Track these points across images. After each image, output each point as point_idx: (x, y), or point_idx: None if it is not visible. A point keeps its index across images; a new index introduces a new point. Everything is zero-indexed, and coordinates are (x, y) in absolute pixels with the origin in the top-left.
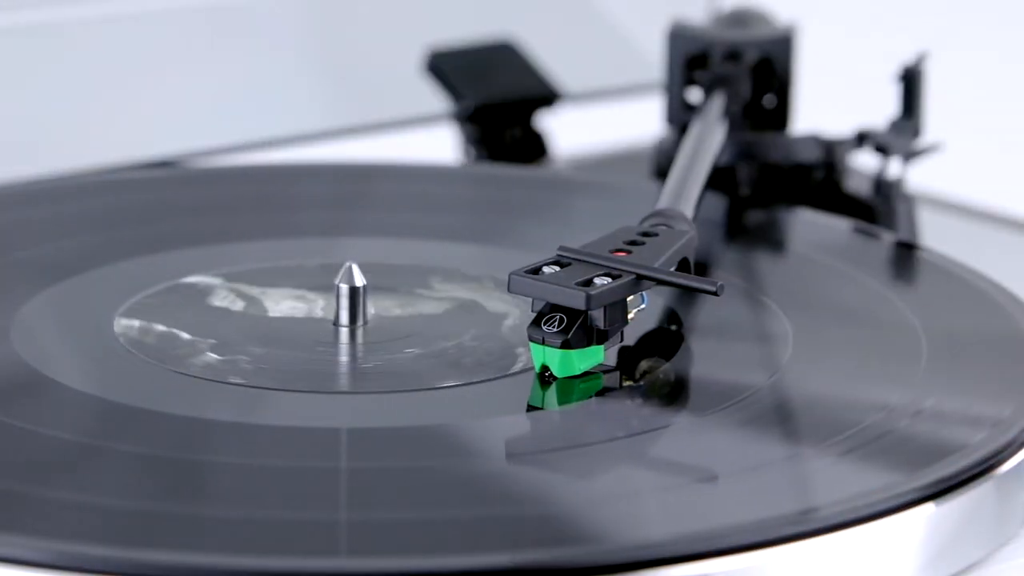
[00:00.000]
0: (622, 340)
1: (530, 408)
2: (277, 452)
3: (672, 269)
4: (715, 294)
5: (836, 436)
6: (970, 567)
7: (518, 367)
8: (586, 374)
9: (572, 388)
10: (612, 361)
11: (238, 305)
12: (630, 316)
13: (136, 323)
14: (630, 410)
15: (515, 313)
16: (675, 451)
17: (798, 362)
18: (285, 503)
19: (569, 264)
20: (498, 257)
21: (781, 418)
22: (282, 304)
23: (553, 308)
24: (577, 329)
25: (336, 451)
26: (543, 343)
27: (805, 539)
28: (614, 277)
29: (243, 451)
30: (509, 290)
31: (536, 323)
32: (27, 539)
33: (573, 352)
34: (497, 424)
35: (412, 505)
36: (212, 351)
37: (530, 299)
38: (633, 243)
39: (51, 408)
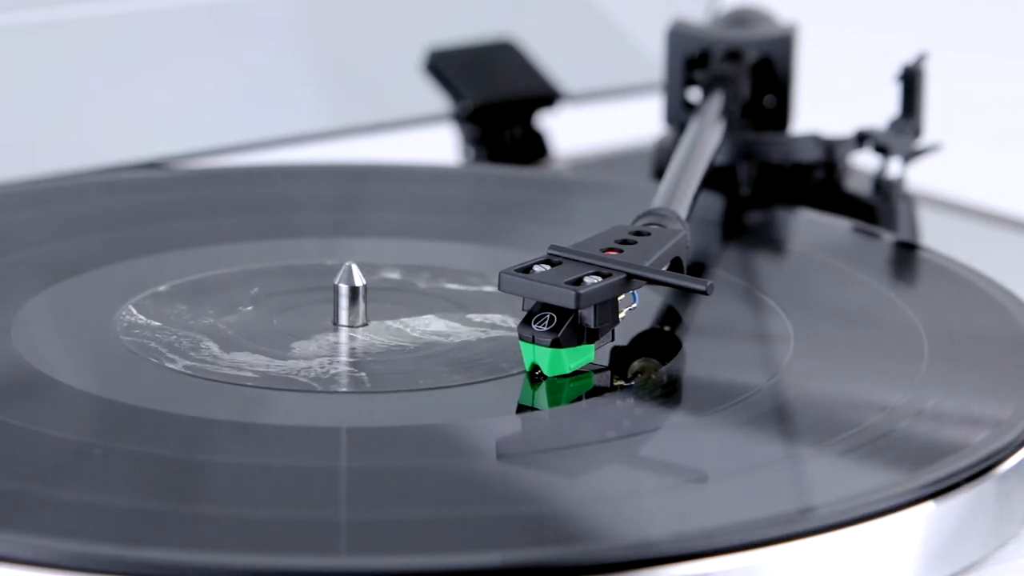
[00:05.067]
0: (613, 339)
1: (522, 408)
2: (277, 452)
3: (664, 268)
4: (705, 293)
5: (837, 436)
6: (970, 567)
7: (518, 367)
8: (576, 373)
9: (575, 388)
10: (604, 360)
11: (238, 304)
12: (621, 315)
13: (136, 323)
14: (627, 410)
15: (505, 299)
16: (675, 451)
17: (799, 362)
18: (285, 503)
19: (560, 263)
20: (498, 257)
21: (782, 418)
22: (282, 304)
23: (543, 307)
24: (567, 328)
25: (336, 451)
26: (533, 342)
27: (805, 538)
28: (604, 276)
29: (243, 451)
30: (499, 289)
31: (526, 322)
32: (27, 539)
33: (563, 351)
34: (497, 424)
35: (412, 504)
36: (212, 351)
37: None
38: (625, 242)
39: (51, 408)
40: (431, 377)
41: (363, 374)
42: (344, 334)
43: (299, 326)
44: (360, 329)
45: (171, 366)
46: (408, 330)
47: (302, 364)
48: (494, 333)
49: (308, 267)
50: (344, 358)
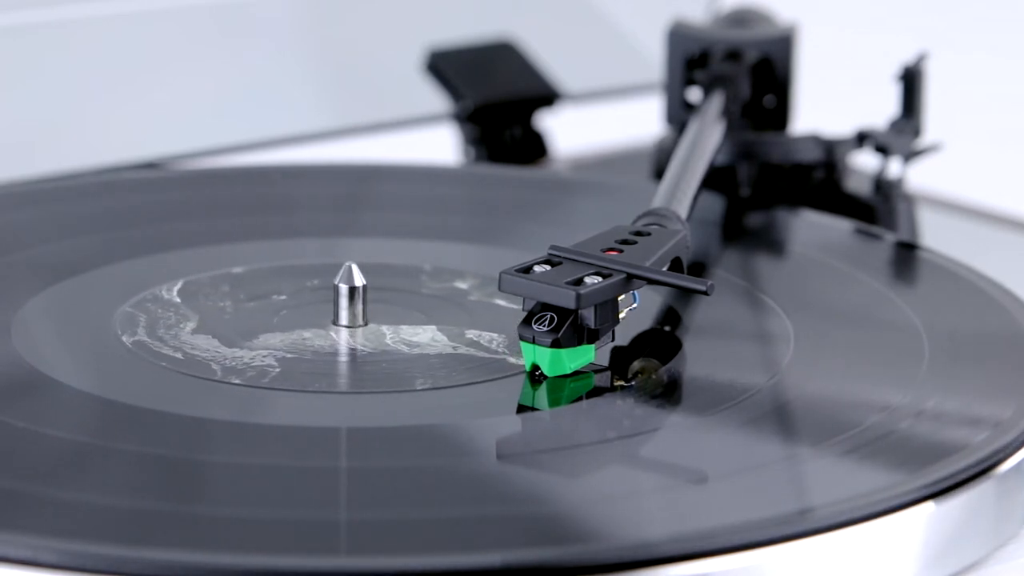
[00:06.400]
0: (613, 339)
1: (522, 408)
2: (277, 452)
3: (664, 268)
4: (705, 293)
5: (837, 436)
6: (970, 567)
7: (520, 366)
8: (576, 373)
9: (576, 388)
10: (604, 361)
11: (237, 305)
12: (621, 315)
13: (136, 323)
14: (627, 410)
15: (515, 312)
16: (675, 451)
17: (799, 362)
18: (285, 503)
19: (560, 263)
20: (498, 257)
21: (782, 418)
22: (280, 304)
23: (544, 307)
24: (567, 328)
25: (336, 451)
26: (533, 342)
27: (805, 538)
28: (605, 276)
29: (243, 451)
30: (500, 289)
31: (527, 322)
32: (27, 539)
33: (563, 351)
34: (497, 424)
35: (412, 504)
36: (212, 351)
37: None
38: (625, 242)
39: (51, 408)
40: (430, 377)
41: (363, 374)
42: (323, 333)
43: (295, 321)
44: (349, 330)
45: (170, 366)
46: (387, 336)
47: (236, 353)
48: (463, 351)
49: (308, 267)
50: (344, 358)
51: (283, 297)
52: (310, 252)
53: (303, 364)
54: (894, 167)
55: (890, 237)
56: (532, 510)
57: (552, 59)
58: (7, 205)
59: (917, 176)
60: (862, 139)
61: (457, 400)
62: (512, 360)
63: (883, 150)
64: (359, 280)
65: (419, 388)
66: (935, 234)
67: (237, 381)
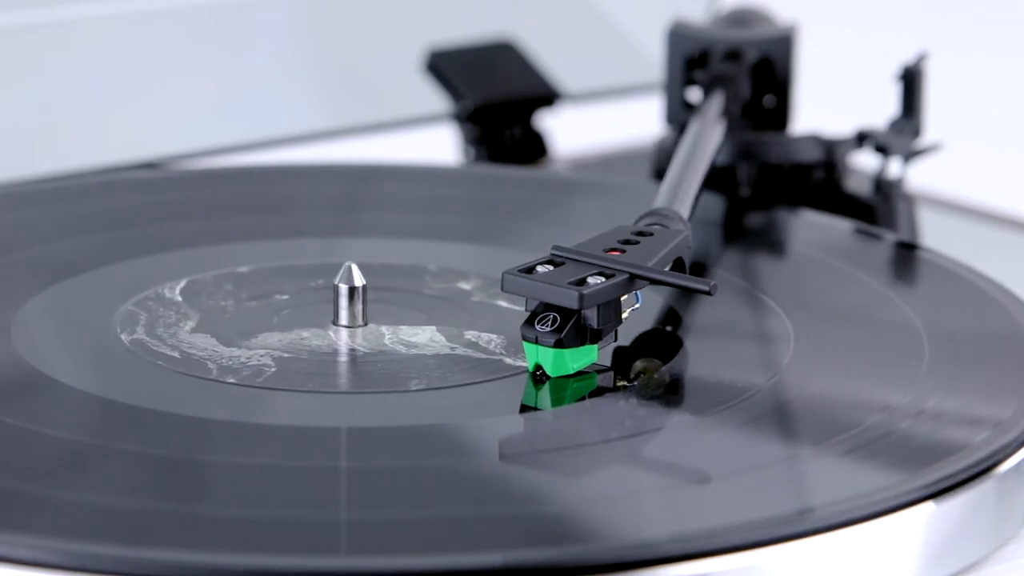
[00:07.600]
0: (616, 339)
1: (525, 408)
2: (277, 452)
3: (667, 268)
4: (708, 293)
5: (837, 436)
6: (970, 567)
7: (518, 367)
8: (579, 373)
9: (578, 388)
10: (606, 361)
11: (237, 305)
12: (624, 316)
13: (136, 323)
14: (629, 410)
15: (516, 313)
16: (675, 451)
17: (799, 362)
18: (285, 503)
19: (563, 263)
20: (498, 257)
21: (782, 418)
22: (281, 304)
23: (546, 307)
24: (570, 328)
25: (336, 451)
26: (536, 342)
27: (805, 538)
28: (607, 276)
29: (243, 451)
30: (503, 289)
31: (529, 322)
32: (27, 539)
33: (566, 351)
34: (499, 424)
35: (412, 504)
36: (212, 351)
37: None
38: (627, 242)
39: (51, 408)
40: (430, 377)
41: (363, 374)
42: (322, 333)
43: (295, 321)
44: (349, 330)
45: (170, 366)
46: (386, 336)
47: (233, 353)
48: (460, 351)
49: (308, 267)
50: (344, 358)
51: (285, 297)
52: (310, 252)
53: (299, 364)
54: (894, 167)
55: (890, 237)
56: (533, 510)
57: (552, 59)
58: (7, 205)
59: (917, 176)
60: (862, 139)
61: (457, 400)
62: (508, 361)
63: (883, 150)
64: (359, 280)
65: (413, 389)
66: (935, 234)
67: (232, 380)
